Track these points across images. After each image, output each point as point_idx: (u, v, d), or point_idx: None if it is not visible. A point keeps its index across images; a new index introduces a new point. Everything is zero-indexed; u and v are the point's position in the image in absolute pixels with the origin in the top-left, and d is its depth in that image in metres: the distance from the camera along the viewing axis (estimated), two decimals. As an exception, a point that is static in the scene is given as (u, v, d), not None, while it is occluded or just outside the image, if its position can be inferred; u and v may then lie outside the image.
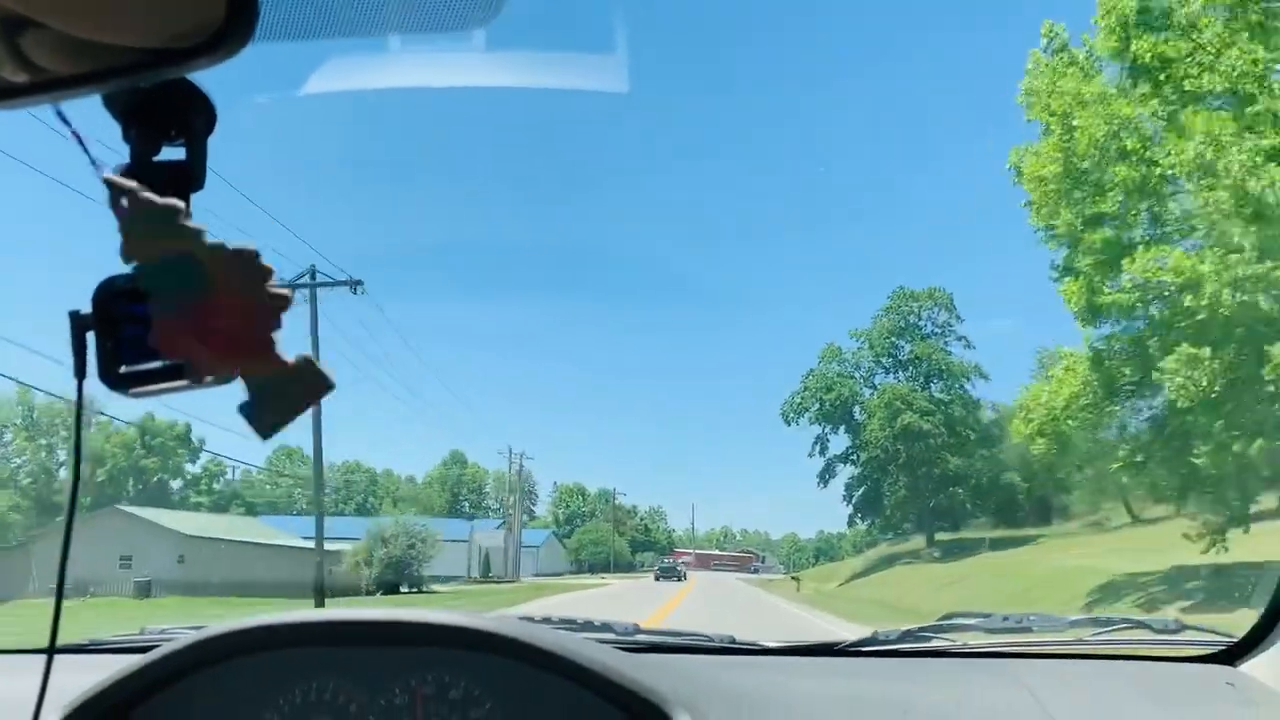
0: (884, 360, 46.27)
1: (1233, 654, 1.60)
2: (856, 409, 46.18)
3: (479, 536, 51.35)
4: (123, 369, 0.69)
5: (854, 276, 78.60)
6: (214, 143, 0.70)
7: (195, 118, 0.69)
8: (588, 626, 1.77)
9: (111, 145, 0.67)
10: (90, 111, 0.65)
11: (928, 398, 43.87)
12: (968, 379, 45.41)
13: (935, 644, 1.74)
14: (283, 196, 67.59)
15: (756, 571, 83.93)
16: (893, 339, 45.79)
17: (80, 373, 0.68)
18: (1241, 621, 1.64)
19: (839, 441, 47.31)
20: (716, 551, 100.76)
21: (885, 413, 42.95)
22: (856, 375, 46.40)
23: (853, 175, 72.67)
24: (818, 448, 47.27)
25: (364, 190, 74.03)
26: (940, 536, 44.06)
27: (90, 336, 0.68)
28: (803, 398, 46.27)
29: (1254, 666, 1.54)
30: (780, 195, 79.30)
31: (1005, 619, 1.77)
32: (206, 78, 0.66)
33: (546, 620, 1.67)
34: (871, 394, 45.77)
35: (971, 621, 1.79)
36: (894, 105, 71.43)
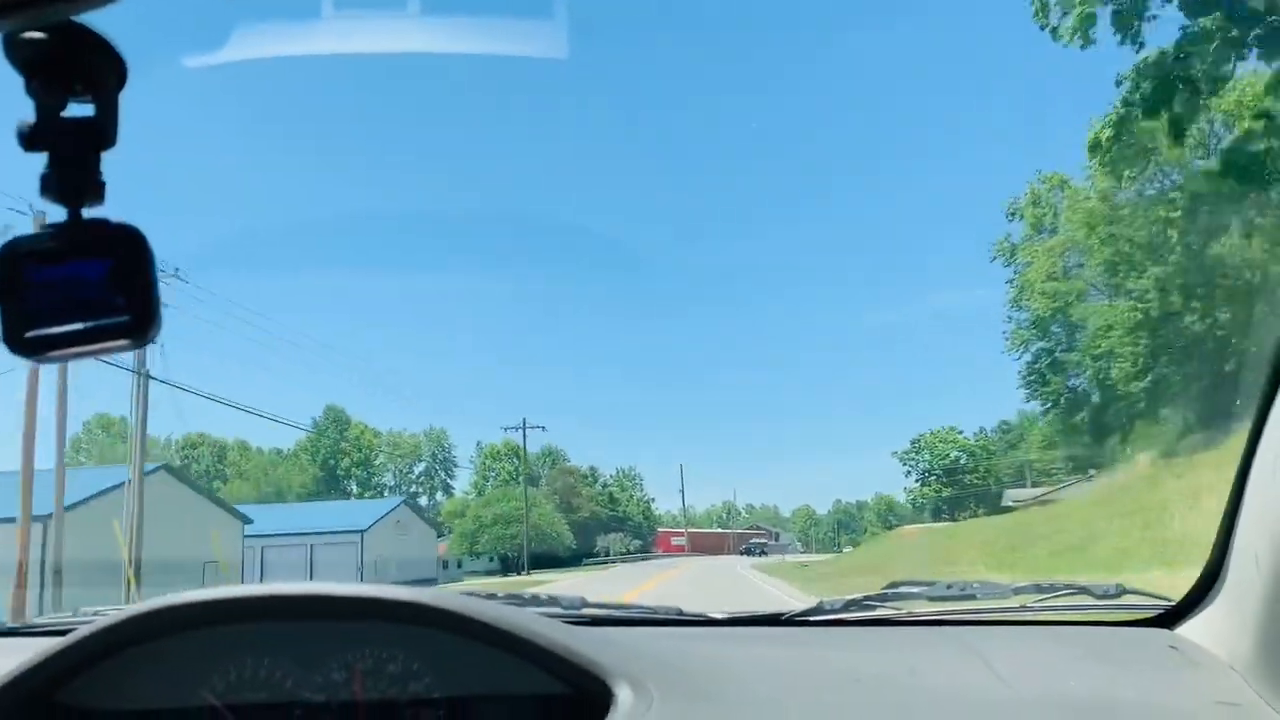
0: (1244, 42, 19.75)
1: (1172, 617, 1.64)
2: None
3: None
4: (29, 334, 0.66)
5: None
6: (131, 101, 0.66)
7: (104, 72, 0.66)
8: (534, 600, 1.77)
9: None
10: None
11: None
12: None
13: (880, 612, 1.76)
14: (203, 160, 72.08)
15: (762, 553, 60.87)
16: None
17: None
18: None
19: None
20: (719, 530, 78.34)
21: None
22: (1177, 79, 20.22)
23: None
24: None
25: (295, 157, 73.71)
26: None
27: None
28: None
29: (1191, 629, 1.58)
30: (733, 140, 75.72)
31: (949, 586, 1.80)
32: (127, 36, 0.63)
33: (492, 595, 1.69)
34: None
35: (916, 589, 1.80)
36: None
